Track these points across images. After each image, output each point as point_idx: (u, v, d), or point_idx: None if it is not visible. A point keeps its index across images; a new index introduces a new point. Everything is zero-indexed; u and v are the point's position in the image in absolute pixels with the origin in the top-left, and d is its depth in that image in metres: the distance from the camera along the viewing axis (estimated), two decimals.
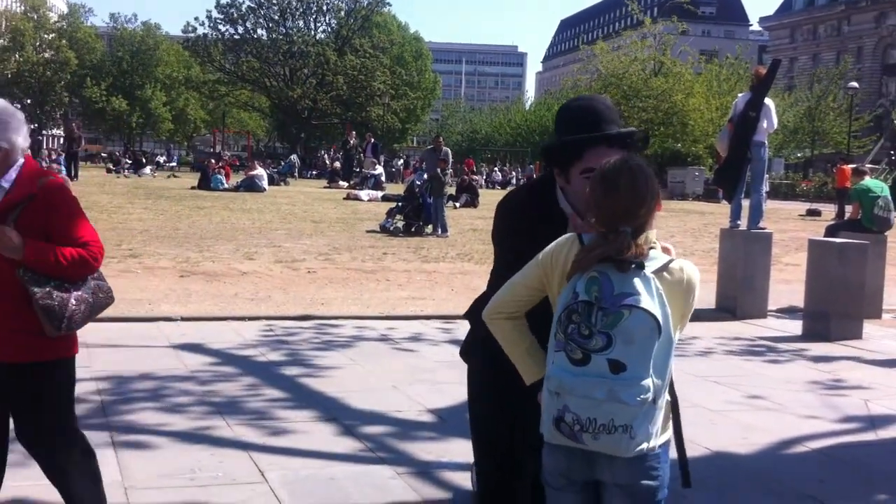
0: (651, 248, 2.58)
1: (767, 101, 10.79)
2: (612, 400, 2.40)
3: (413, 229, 18.92)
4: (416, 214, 19.29)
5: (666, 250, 2.66)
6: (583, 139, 2.88)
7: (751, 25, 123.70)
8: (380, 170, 36.13)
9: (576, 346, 2.45)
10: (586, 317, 2.44)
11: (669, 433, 2.70)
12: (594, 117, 2.93)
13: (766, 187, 12.39)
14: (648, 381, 2.43)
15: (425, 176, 21.52)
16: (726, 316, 10.46)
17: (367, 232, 18.54)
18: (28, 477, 4.67)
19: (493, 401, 3.26)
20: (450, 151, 20.41)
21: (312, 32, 72.49)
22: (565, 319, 2.49)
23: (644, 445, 2.49)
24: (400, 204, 20.13)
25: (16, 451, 5.00)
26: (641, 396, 2.41)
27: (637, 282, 2.47)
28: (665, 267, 2.56)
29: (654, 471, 2.59)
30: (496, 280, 3.15)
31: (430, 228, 19.09)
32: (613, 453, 2.50)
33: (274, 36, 71.04)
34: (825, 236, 12.22)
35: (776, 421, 6.31)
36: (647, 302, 2.44)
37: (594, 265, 2.49)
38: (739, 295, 10.62)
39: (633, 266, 2.48)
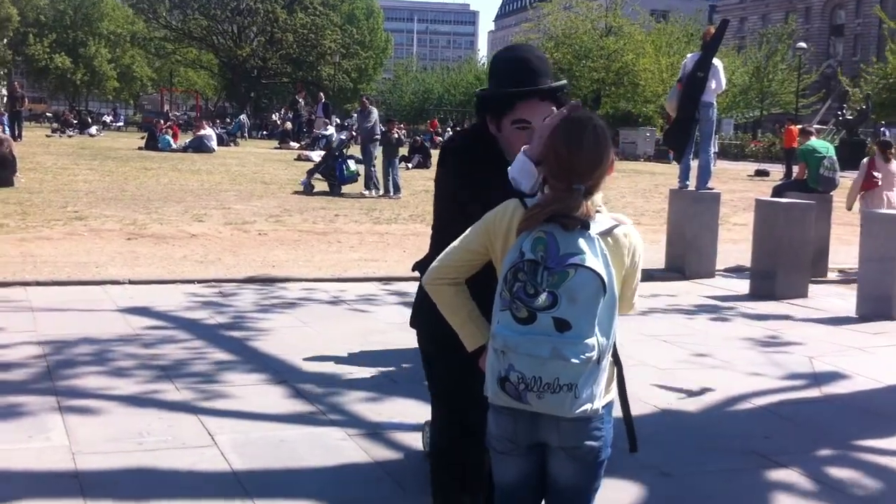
0: (598, 211, 2.57)
1: (716, 61, 10.85)
2: (557, 358, 2.38)
3: (331, 189, 18.94)
4: (331, 173, 19.24)
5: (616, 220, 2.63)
6: (516, 92, 2.89)
7: None
8: (331, 130, 35.77)
9: (521, 305, 2.42)
10: (532, 275, 2.41)
11: (613, 394, 2.70)
12: (527, 69, 2.95)
13: (714, 148, 12.47)
14: (593, 340, 2.41)
15: (343, 136, 21.53)
16: (675, 276, 10.58)
17: (294, 193, 18.38)
18: None
19: (454, 359, 3.15)
20: (376, 111, 20.35)
21: None
22: (511, 278, 2.45)
23: (587, 406, 2.47)
24: (318, 163, 20.08)
25: None
26: (586, 355, 2.39)
27: (582, 242, 2.44)
28: (609, 231, 2.54)
29: (597, 431, 2.60)
30: (440, 237, 3.09)
31: (355, 188, 19.06)
32: (556, 413, 2.47)
33: None
34: (772, 196, 12.37)
35: (722, 378, 6.41)
36: (593, 261, 2.42)
37: (540, 224, 2.47)
38: (688, 255, 10.73)
39: (579, 226, 2.45)
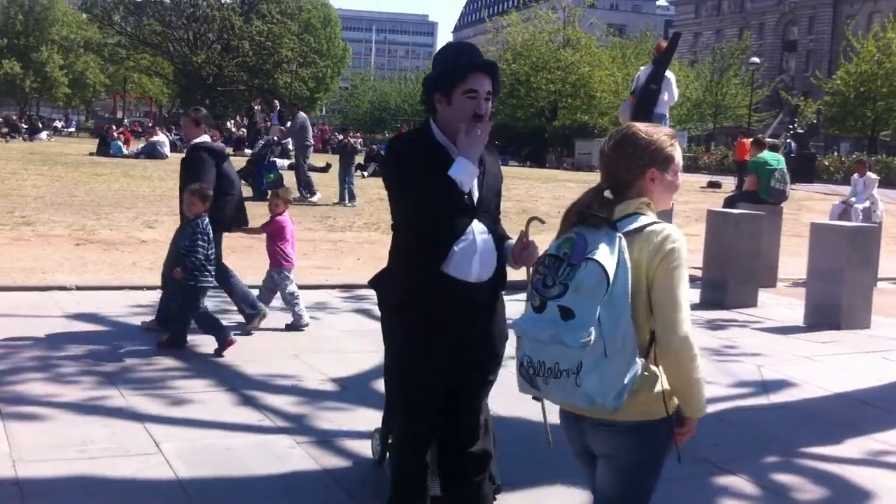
0: (637, 213, 2.67)
1: (668, 73, 10.95)
2: (556, 342, 2.50)
3: (253, 194, 18.82)
4: (252, 180, 19.18)
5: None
6: (468, 64, 3.38)
7: (657, 0, 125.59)
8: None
9: (536, 295, 2.59)
10: (553, 270, 2.57)
11: (659, 414, 2.67)
12: (472, 51, 3.53)
13: None
14: (592, 329, 2.48)
15: (261, 142, 21.54)
16: None
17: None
18: None
19: (424, 366, 3.40)
20: (305, 117, 20.27)
21: None
22: (534, 272, 2.67)
23: (598, 400, 2.51)
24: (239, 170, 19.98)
25: None
26: (582, 340, 2.47)
27: (603, 238, 2.56)
28: (638, 230, 2.62)
29: (636, 442, 2.65)
30: (402, 235, 3.45)
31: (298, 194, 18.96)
32: (562, 402, 2.63)
33: None
34: (723, 207, 12.51)
35: None
36: (603, 255, 2.52)
37: (575, 226, 2.63)
38: None
39: (605, 225, 2.58)
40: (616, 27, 72.21)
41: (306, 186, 19.08)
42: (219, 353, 6.62)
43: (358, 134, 44.95)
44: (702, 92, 58.05)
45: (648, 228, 2.63)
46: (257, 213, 13.79)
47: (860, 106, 49.60)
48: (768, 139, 19.93)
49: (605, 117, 53.27)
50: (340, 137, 20.81)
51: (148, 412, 5.28)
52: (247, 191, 18.74)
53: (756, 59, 56.29)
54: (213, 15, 67.19)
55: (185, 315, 6.79)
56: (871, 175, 16.28)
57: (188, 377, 6.07)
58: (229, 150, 33.31)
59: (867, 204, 15.48)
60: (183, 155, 7.57)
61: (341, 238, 13.58)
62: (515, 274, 3.48)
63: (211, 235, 6.74)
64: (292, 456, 4.73)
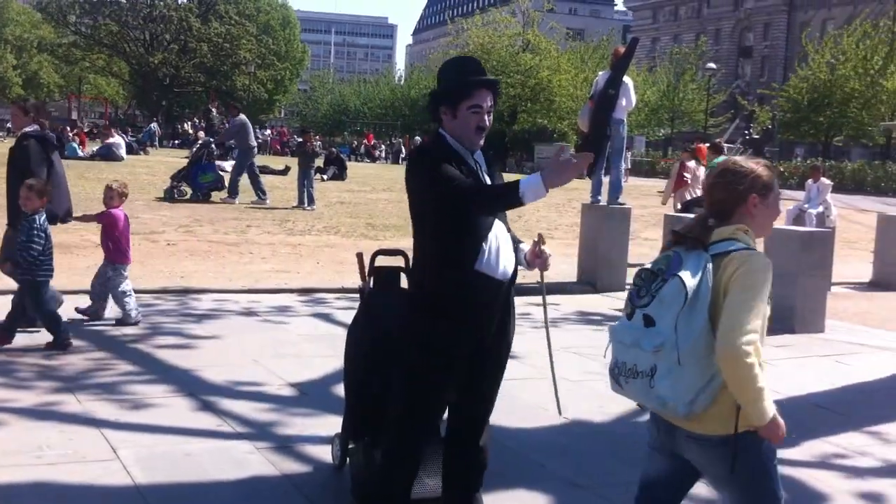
0: (732, 238, 2.88)
1: (626, 79, 11.04)
2: (635, 346, 2.80)
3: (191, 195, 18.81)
4: (188, 180, 19.11)
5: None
6: (473, 81, 3.61)
7: (615, 5, 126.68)
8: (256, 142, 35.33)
9: (629, 304, 2.91)
10: (648, 283, 2.87)
11: (741, 427, 2.82)
12: (477, 67, 3.73)
13: (626, 164, 12.76)
14: (668, 337, 2.74)
15: (200, 142, 21.46)
16: (587, 289, 10.72)
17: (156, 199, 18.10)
18: None
19: (437, 373, 3.64)
20: (244, 118, 20.15)
21: None
22: (632, 284, 2.96)
23: (671, 403, 2.76)
24: (179, 170, 19.87)
25: None
26: (656, 345, 2.74)
27: (693, 257, 2.83)
28: (729, 252, 2.83)
29: (718, 456, 2.84)
30: (434, 238, 3.59)
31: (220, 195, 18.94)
32: (641, 401, 2.90)
33: None
34: (681, 212, 12.65)
35: None
36: (687, 272, 2.78)
37: (672, 244, 2.92)
38: (599, 268, 10.89)
39: (699, 246, 2.85)
40: (575, 31, 72.53)
41: (258, 190, 18.89)
42: (51, 348, 6.65)
43: (317, 137, 44.69)
44: (659, 97, 58.58)
45: (736, 252, 2.84)
46: (250, 217, 13.70)
47: (813, 112, 50.38)
48: (725, 145, 20.23)
49: (564, 121, 53.54)
50: (300, 140, 20.63)
51: (105, 417, 5.22)
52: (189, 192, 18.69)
53: (712, 65, 56.93)
54: (169, 15, 66.56)
55: (44, 310, 6.79)
56: (825, 181, 16.55)
57: (146, 382, 6.02)
58: (186, 152, 32.99)
59: (821, 209, 15.76)
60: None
61: (300, 242, 13.52)
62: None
63: (48, 231, 6.79)
64: (251, 461, 4.71)
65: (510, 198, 3.39)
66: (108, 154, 29.35)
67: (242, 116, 20.15)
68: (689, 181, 14.28)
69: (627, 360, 2.84)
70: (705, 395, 2.77)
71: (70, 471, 4.41)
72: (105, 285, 7.72)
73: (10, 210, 7.21)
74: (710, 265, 2.80)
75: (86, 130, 43.34)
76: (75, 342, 6.92)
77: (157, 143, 45.76)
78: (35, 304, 6.76)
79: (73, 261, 10.55)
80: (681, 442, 2.92)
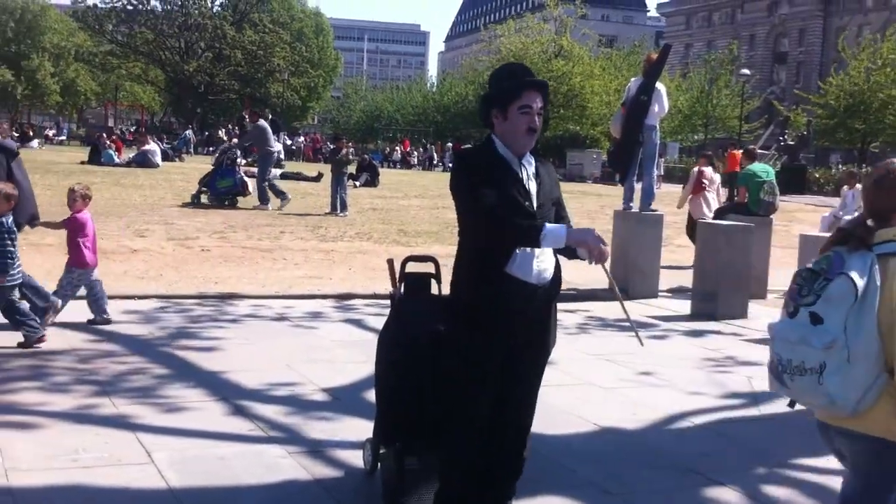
0: (894, 240, 2.93)
1: (659, 85, 10.99)
2: (802, 343, 2.84)
3: (226, 202, 19.00)
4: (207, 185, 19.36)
5: None
6: (522, 83, 3.71)
7: (648, 11, 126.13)
8: (279, 147, 35.56)
9: (791, 302, 2.97)
10: (809, 282, 2.92)
11: None
12: (526, 71, 3.87)
13: (659, 171, 12.73)
14: (837, 335, 2.79)
15: (223, 147, 21.63)
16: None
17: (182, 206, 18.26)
18: None
19: (473, 384, 3.69)
20: (264, 124, 20.23)
21: (209, 4, 70.76)
22: (792, 283, 3.01)
23: (840, 402, 2.81)
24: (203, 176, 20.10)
25: None
26: (826, 343, 2.79)
27: (858, 258, 2.88)
28: (893, 254, 2.89)
29: (868, 455, 2.92)
30: (469, 240, 3.70)
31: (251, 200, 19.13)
32: (806, 400, 2.95)
33: (168, 7, 69.06)
34: (714, 219, 12.57)
35: (664, 397, 6.47)
36: (855, 272, 2.83)
37: (834, 245, 2.98)
38: (631, 275, 10.84)
39: (862, 247, 2.90)
40: (607, 38, 72.34)
41: (276, 193, 19.02)
42: (23, 346, 6.80)
43: (350, 143, 44.94)
44: (692, 103, 58.21)
45: None
46: (283, 223, 13.81)
47: (850, 118, 49.82)
48: (759, 151, 20.08)
49: (596, 128, 53.40)
50: (333, 147, 20.73)
51: (140, 421, 5.28)
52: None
53: (746, 71, 56.47)
54: (204, 24, 67.22)
55: (13, 312, 6.90)
56: (861, 187, 16.40)
57: (180, 387, 6.07)
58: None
59: (857, 215, 15.60)
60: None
61: (333, 248, 13.59)
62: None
63: (16, 233, 6.90)
64: (283, 466, 4.73)
65: (530, 241, 3.53)
66: (143, 161, 29.68)
67: (262, 122, 20.24)
68: (707, 187, 14.58)
69: (794, 358, 2.89)
70: (871, 393, 2.83)
71: (106, 474, 4.46)
72: (70, 286, 7.76)
73: None
74: (876, 265, 2.85)
75: (121, 138, 43.75)
76: (110, 347, 7.01)
77: (191, 150, 46.21)
78: (5, 304, 6.86)
79: (111, 266, 10.66)
80: (832, 437, 3.03)
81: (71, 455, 4.68)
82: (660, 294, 11.01)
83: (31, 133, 48.37)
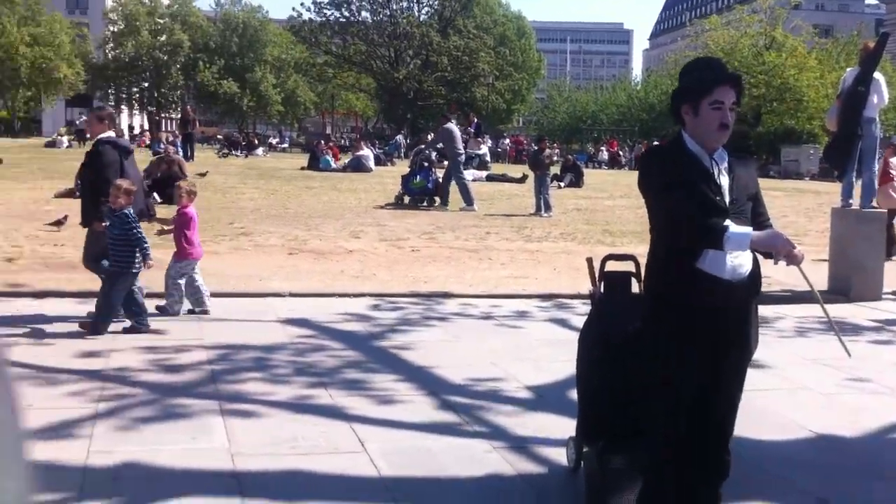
0: None
1: (877, 75, 10.38)
2: None
3: (424, 203, 19.37)
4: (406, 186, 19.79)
5: None
6: (714, 76, 3.62)
7: None
8: (484, 149, 36.13)
9: None
10: None
11: None
12: (718, 64, 3.80)
13: (878, 165, 12.00)
14: None
15: (416, 149, 21.94)
16: (839, 298, 10.13)
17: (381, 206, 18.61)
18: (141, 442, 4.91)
19: (681, 381, 3.63)
20: (452, 127, 20.31)
21: (416, 13, 72.72)
22: None
23: None
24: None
25: (124, 418, 5.25)
26: None
27: None
28: None
29: None
30: (661, 236, 3.63)
31: (436, 200, 19.58)
32: None
33: (378, 18, 71.52)
34: None
35: (885, 404, 6.12)
36: None
37: None
38: (852, 276, 10.29)
39: None
40: (822, 28, 68.70)
41: (464, 196, 19.24)
42: (129, 331, 7.23)
43: (554, 144, 44.87)
44: None
45: None
46: (489, 224, 14.07)
47: None
48: None
49: (813, 122, 50.84)
50: (536, 148, 20.87)
51: (354, 412, 5.55)
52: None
53: None
54: (412, 32, 69.10)
55: (111, 301, 7.25)
56: None
57: (392, 380, 6.33)
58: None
59: None
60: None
61: (538, 248, 13.67)
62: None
63: (139, 225, 7.29)
64: (489, 460, 4.84)
65: (712, 243, 3.43)
66: (358, 166, 30.91)
67: (449, 125, 20.57)
68: (895, 176, 13.93)
69: None
70: None
71: (322, 461, 4.72)
72: (178, 275, 8.13)
73: (84, 210, 7.81)
74: None
75: (337, 145, 45.68)
76: (326, 341, 7.39)
77: (402, 155, 47.59)
78: (119, 292, 7.29)
79: (329, 265, 11.21)
80: None
81: (290, 442, 4.98)
82: (884, 296, 10.37)
83: (257, 142, 51.42)
